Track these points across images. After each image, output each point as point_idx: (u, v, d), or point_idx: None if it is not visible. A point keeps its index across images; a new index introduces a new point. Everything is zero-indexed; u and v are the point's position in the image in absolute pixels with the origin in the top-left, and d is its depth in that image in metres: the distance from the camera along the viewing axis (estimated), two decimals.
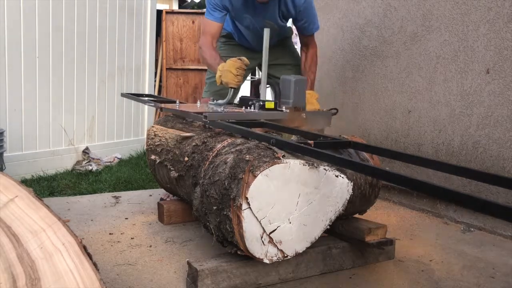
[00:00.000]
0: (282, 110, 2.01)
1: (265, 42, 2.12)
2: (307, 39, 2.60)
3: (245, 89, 2.86)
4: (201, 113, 1.83)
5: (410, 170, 2.57)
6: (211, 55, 2.39)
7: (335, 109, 2.25)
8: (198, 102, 2.31)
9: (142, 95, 2.87)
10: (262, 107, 2.03)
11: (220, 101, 2.24)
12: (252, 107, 2.05)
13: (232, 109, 2.09)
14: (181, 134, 1.90)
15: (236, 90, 2.37)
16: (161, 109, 2.17)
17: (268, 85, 2.21)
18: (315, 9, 2.53)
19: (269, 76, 2.58)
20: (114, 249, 1.85)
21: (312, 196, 1.44)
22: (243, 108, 2.07)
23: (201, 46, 2.47)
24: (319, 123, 2.17)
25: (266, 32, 2.11)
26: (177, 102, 2.26)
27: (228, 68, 2.12)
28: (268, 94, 2.25)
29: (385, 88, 2.88)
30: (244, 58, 2.14)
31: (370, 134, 2.99)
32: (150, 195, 2.75)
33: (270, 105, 2.02)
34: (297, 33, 2.65)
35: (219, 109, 2.06)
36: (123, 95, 2.81)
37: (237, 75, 2.12)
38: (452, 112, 2.44)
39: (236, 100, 2.45)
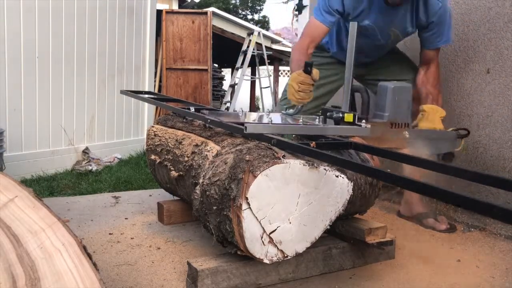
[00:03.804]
0: (360, 125, 1.65)
1: (351, 38, 1.77)
2: (429, 53, 2.17)
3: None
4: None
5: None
6: (298, 60, 2.00)
7: (464, 129, 1.77)
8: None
9: (141, 92, 2.88)
10: (342, 120, 1.68)
11: (290, 111, 1.93)
12: (316, 120, 1.72)
13: (289, 121, 1.82)
14: None
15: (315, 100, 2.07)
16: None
17: (358, 92, 1.85)
18: (451, 18, 2.12)
19: (374, 81, 2.24)
20: (114, 249, 1.84)
21: (312, 196, 1.44)
22: (301, 121, 1.75)
23: (294, 49, 2.17)
24: (434, 146, 1.72)
25: (352, 26, 1.77)
26: (242, 111, 1.94)
27: (290, 82, 1.86)
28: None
29: None
30: (315, 72, 1.81)
31: None
32: (150, 195, 2.75)
33: (349, 117, 1.65)
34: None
35: (289, 121, 1.79)
36: (122, 92, 2.80)
37: (299, 90, 1.82)
38: (452, 112, 2.44)
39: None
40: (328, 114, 1.73)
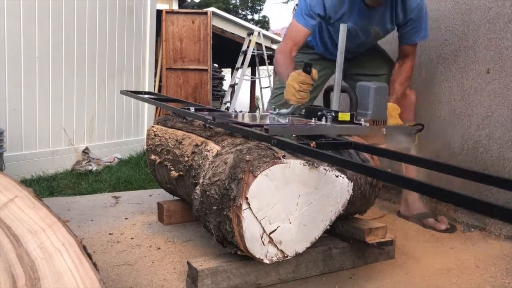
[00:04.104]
0: (360, 124, 1.71)
1: (341, 39, 1.81)
2: (407, 48, 2.24)
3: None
4: (261, 125, 1.58)
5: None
6: (284, 64, 2.10)
7: (420, 124, 1.92)
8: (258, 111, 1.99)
9: (141, 93, 2.88)
10: (335, 119, 1.70)
11: (283, 111, 1.92)
12: (323, 119, 1.71)
13: (299, 121, 1.81)
14: None
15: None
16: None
17: (345, 92, 1.87)
18: (427, 13, 2.18)
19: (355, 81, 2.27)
20: (114, 249, 1.84)
21: (312, 196, 1.44)
22: (313, 121, 1.75)
23: (278, 52, 2.21)
24: (401, 141, 1.84)
25: (343, 28, 1.81)
26: (234, 111, 1.95)
27: (290, 82, 1.86)
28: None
29: None
30: (314, 72, 1.85)
31: None
32: (150, 195, 2.75)
33: (345, 117, 1.70)
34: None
35: (282, 121, 1.81)
36: (122, 92, 2.80)
37: (300, 90, 1.84)
38: (452, 112, 2.44)
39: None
40: (319, 113, 1.74)
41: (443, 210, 2.39)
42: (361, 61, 2.41)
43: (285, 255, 1.44)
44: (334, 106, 1.84)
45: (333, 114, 1.71)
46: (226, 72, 12.44)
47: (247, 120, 1.96)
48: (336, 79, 1.86)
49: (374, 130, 1.77)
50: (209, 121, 1.79)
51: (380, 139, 1.77)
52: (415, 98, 2.35)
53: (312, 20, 2.13)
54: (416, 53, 2.28)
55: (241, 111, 2.16)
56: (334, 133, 1.67)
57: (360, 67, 2.41)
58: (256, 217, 1.35)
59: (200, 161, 1.65)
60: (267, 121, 1.91)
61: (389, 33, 2.29)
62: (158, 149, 2.06)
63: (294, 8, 3.69)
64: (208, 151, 1.65)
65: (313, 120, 1.76)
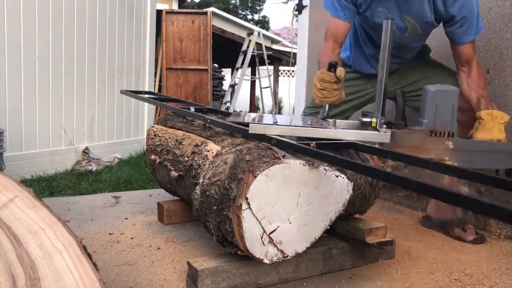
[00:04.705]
0: (378, 131, 1.54)
1: (384, 37, 1.56)
2: (466, 49, 1.90)
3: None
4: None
5: (409, 170, 2.56)
6: (323, 63, 1.87)
7: None
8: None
9: (141, 92, 2.89)
10: (370, 125, 1.60)
11: (319, 116, 1.84)
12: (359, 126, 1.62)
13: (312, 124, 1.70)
14: None
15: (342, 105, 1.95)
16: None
17: (392, 99, 1.67)
18: (478, 4, 1.85)
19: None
20: (114, 249, 1.84)
21: (312, 196, 1.44)
22: (309, 123, 1.67)
23: (320, 53, 2.04)
24: (488, 160, 1.50)
25: (386, 23, 1.56)
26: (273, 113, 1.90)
27: (314, 81, 1.75)
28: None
29: None
30: (340, 70, 1.68)
31: None
32: (150, 195, 2.76)
33: (373, 123, 1.59)
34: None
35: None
36: (122, 92, 2.80)
37: (321, 89, 1.72)
38: None
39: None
40: (358, 118, 1.68)
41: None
42: (410, 76, 2.15)
43: (285, 255, 1.44)
44: (376, 112, 1.64)
45: (369, 120, 1.61)
46: (226, 72, 12.44)
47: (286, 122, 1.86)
48: (379, 81, 1.62)
49: (432, 142, 1.54)
50: (208, 121, 1.79)
51: (443, 153, 1.53)
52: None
53: (346, 9, 1.94)
54: (475, 54, 1.95)
55: (241, 111, 2.15)
56: (334, 137, 1.57)
57: (411, 85, 2.13)
58: (256, 217, 1.35)
59: (200, 161, 1.65)
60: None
61: (428, 27, 1.98)
62: (158, 149, 2.06)
63: (294, 8, 3.68)
64: (208, 151, 1.65)
65: (309, 123, 1.68)
